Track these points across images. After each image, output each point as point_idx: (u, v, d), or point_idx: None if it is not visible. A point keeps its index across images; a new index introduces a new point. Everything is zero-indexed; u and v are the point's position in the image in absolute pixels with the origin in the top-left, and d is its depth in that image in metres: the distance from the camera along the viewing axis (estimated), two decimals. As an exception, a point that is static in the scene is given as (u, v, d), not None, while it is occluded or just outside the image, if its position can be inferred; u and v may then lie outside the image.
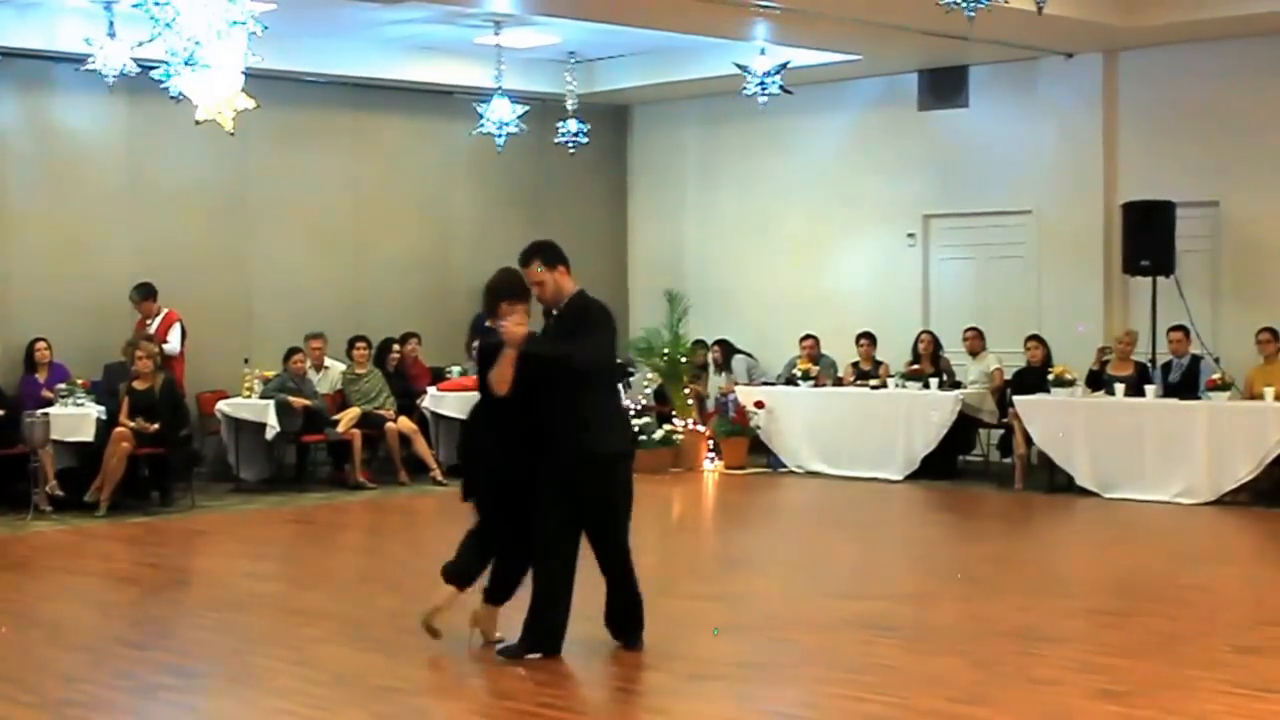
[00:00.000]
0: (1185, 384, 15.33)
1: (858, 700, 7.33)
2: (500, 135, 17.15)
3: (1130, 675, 7.83)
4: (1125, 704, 7.17)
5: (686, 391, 18.16)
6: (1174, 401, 14.93)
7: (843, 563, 11.94)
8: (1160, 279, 15.93)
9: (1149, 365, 15.72)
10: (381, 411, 16.77)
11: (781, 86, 16.10)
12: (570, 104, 18.04)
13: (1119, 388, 15.26)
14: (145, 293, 16.16)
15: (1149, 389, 15.09)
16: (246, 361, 16.58)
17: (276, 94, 15.84)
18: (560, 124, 17.90)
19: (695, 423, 17.89)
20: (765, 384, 18.31)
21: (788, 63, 16.08)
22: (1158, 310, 15.93)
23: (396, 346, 17.71)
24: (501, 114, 17.05)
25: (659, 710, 7.19)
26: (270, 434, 16.08)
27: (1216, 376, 14.92)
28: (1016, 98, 17.85)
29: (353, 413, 16.56)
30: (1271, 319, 15.30)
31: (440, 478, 16.55)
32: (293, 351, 16.64)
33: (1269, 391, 14.39)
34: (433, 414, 17.32)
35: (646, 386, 18.56)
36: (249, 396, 16.31)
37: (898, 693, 7.42)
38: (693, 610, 9.67)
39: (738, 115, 18.78)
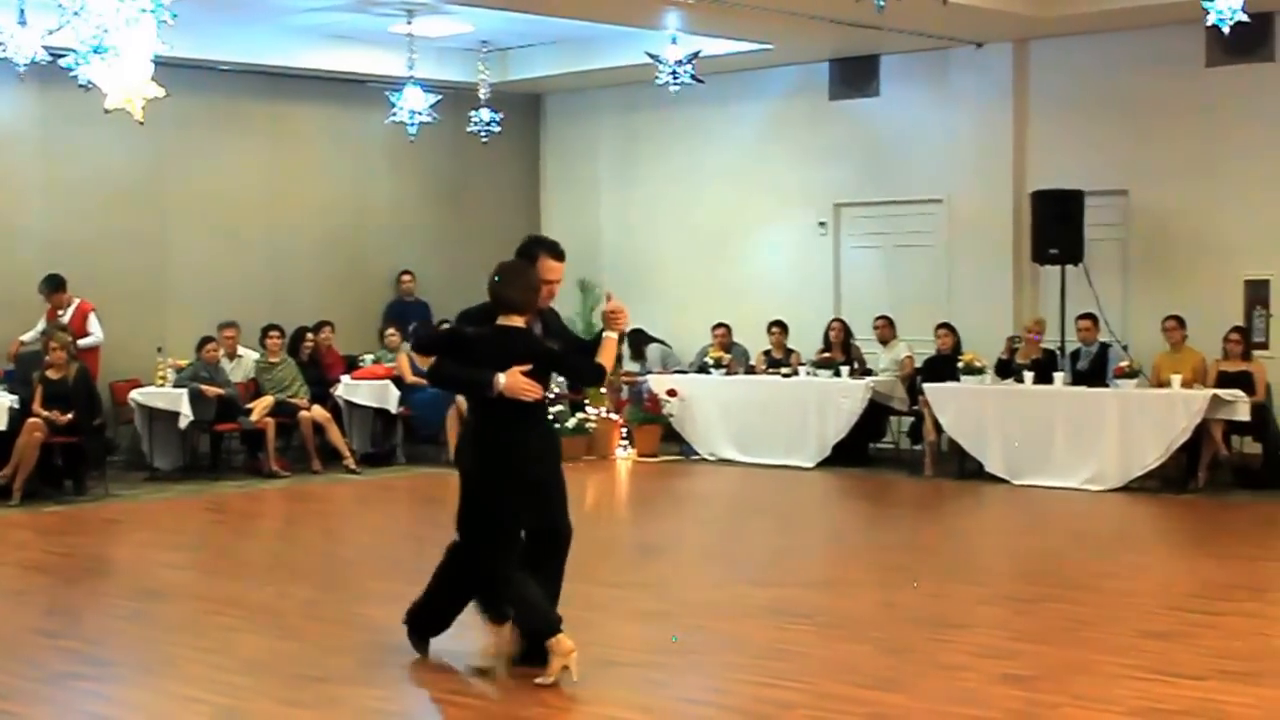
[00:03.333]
0: (1094, 372, 15.53)
1: (767, 686, 7.39)
2: (413, 124, 17.10)
3: (1037, 660, 7.93)
4: (1031, 688, 7.26)
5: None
6: (1082, 389, 15.11)
7: (755, 550, 12.00)
8: (1069, 267, 16.11)
9: (1058, 353, 15.90)
10: (295, 400, 16.70)
11: (693, 76, 16.13)
12: (483, 93, 17.98)
13: (1028, 375, 15.43)
14: (54, 285, 16.03)
15: (1058, 376, 15.27)
16: (160, 350, 16.45)
17: (188, 82, 15.78)
18: (473, 113, 17.85)
19: (608, 411, 17.92)
20: (678, 372, 18.39)
21: (699, 52, 16.10)
22: (1067, 298, 16.12)
23: (310, 335, 17.64)
24: (414, 103, 17.00)
25: (569, 697, 7.22)
26: (184, 423, 16.00)
27: (1124, 364, 15.11)
28: (927, 87, 17.98)
29: (266, 401, 16.48)
30: (1178, 307, 15.51)
31: (354, 466, 16.53)
32: (206, 340, 16.53)
33: (1176, 379, 14.60)
34: (346, 402, 17.28)
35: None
36: (162, 385, 16.19)
37: (807, 679, 7.49)
38: (605, 597, 9.71)
39: (651, 104, 18.83)
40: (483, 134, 17.93)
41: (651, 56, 16.13)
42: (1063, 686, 7.23)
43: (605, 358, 7.85)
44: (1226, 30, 12.41)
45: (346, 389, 17.30)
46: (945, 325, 16.83)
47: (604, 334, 7.90)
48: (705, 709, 7.14)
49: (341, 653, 8.23)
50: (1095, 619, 9.06)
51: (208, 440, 16.72)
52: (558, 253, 7.89)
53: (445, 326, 8.27)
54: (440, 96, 17.31)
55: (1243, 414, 14.37)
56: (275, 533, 13.98)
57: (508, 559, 7.61)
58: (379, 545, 12.53)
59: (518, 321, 7.65)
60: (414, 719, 7.27)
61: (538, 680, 7.34)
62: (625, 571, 10.98)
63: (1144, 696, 7.13)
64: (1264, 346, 15.67)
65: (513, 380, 7.50)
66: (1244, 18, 12.27)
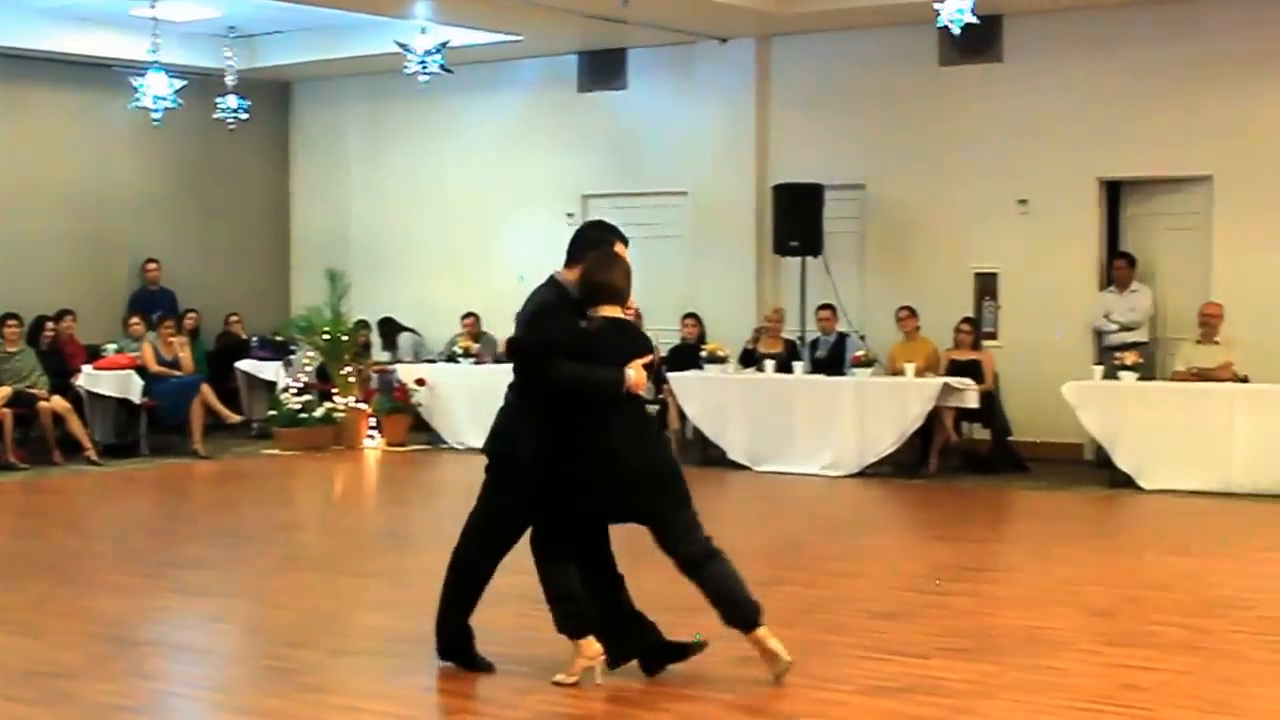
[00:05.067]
0: (832, 360, 15.95)
1: (508, 673, 7.48)
2: (157, 110, 16.81)
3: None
4: (763, 669, 7.44)
5: (347, 370, 18.11)
6: (821, 378, 15.50)
7: (501, 538, 12.08)
8: (809, 259, 16.51)
9: (798, 342, 16.29)
10: (34, 390, 16.34)
11: (442, 65, 16.16)
12: (230, 79, 17.79)
13: (769, 364, 15.78)
14: None
15: (797, 365, 15.64)
16: (-106, 341, 16.04)
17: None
18: (220, 99, 17.65)
19: (357, 400, 17.88)
20: (427, 361, 18.41)
21: (447, 42, 16.14)
22: (807, 289, 16.52)
23: (50, 324, 17.29)
24: (157, 88, 16.71)
25: (309, 687, 7.23)
26: (-84, 414, 15.60)
27: (861, 353, 15.55)
28: (674, 80, 18.26)
29: (4, 392, 16.08)
30: (912, 298, 16.02)
31: (95, 457, 16.23)
32: (-61, 329, 16.14)
33: (909, 367, 15.07)
34: (88, 393, 16.93)
35: (307, 365, 18.45)
36: (-106, 375, 15.77)
37: (547, 665, 7.56)
38: (349, 586, 9.76)
39: (401, 93, 18.80)
40: (230, 121, 17.75)
41: (400, 45, 16.11)
42: (796, 667, 7.40)
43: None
44: (957, 31, 12.85)
45: (88, 379, 16.96)
46: (692, 315, 17.13)
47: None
48: (446, 697, 7.21)
49: (73, 647, 8.11)
50: (827, 601, 9.32)
51: (-58, 432, 16.31)
52: (625, 238, 7.55)
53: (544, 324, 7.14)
54: (186, 82, 17.07)
55: (972, 401, 14.90)
56: (10, 527, 13.64)
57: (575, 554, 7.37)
58: (117, 538, 12.34)
59: (619, 312, 7.27)
60: (145, 713, 7.20)
61: (557, 678, 7.22)
62: (369, 561, 10.99)
63: (872, 675, 7.36)
64: (993, 336, 16.32)
65: (639, 376, 7.13)
66: (973, 19, 12.72)
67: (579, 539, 7.35)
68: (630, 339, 7.23)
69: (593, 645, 7.21)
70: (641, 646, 7.45)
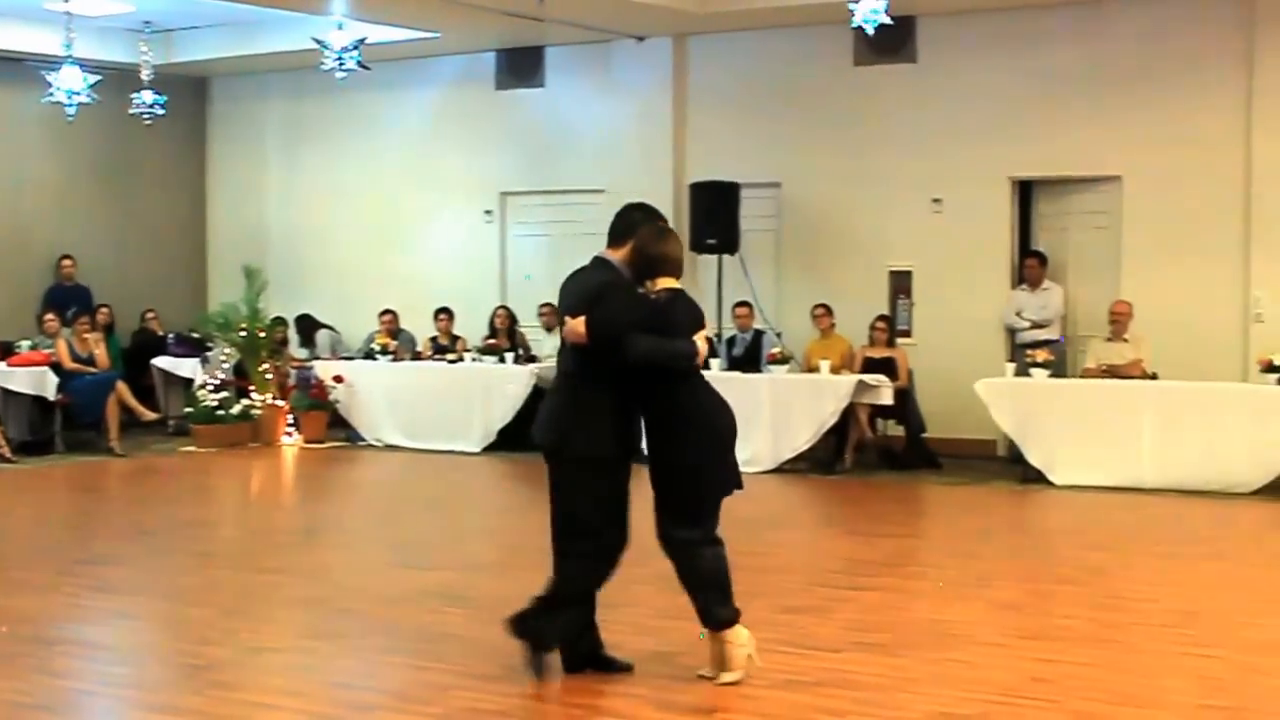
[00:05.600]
0: (749, 358, 16.05)
1: (420, 669, 7.51)
2: (71, 105, 16.68)
3: (684, 637, 8.15)
4: (676, 665, 7.47)
5: (265, 367, 18.04)
6: (737, 375, 15.58)
7: (418, 534, 12.10)
8: (726, 256, 16.60)
9: (714, 340, 16.37)
10: (-55, 388, 16.23)
11: (360, 62, 16.07)
12: (146, 74, 17.68)
13: (684, 360, 15.83)
14: None
15: (714, 362, 15.70)
16: None
17: None
18: (136, 95, 17.54)
19: (274, 397, 17.81)
20: (345, 358, 18.38)
21: (365, 38, 16.07)
22: (723, 287, 16.60)
23: (-38, 321, 17.17)
24: (71, 83, 16.58)
25: (221, 684, 7.23)
26: None
27: (777, 350, 15.66)
28: (591, 79, 18.31)
29: (-85, 389, 15.99)
30: (827, 295, 16.14)
31: (9, 454, 16.09)
32: None
33: (825, 365, 15.19)
34: (2, 390, 16.79)
35: (224, 362, 18.37)
36: None
37: (461, 661, 7.62)
38: (263, 583, 9.76)
39: (320, 90, 18.72)
40: (146, 116, 17.64)
41: (317, 42, 16.04)
42: (706, 661, 7.48)
43: None
44: (871, 32, 12.96)
45: (2, 376, 16.81)
46: (609, 312, 17.14)
47: None
48: (358, 693, 7.20)
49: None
50: (741, 596, 9.22)
51: None
52: (663, 217, 7.57)
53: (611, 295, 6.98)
54: (100, 77, 16.94)
55: (887, 398, 15.03)
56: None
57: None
58: (30, 535, 12.26)
59: (675, 283, 7.20)
60: (55, 711, 7.15)
61: (721, 678, 7.17)
62: (285, 557, 10.99)
63: (784, 669, 7.41)
64: (907, 334, 16.48)
65: (703, 347, 7.16)
66: (887, 20, 12.83)
67: (714, 512, 7.32)
68: (692, 311, 7.21)
69: (742, 633, 7.21)
70: (588, 648, 7.49)
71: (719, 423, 7.22)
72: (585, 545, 7.32)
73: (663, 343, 7.01)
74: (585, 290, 7.25)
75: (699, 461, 7.17)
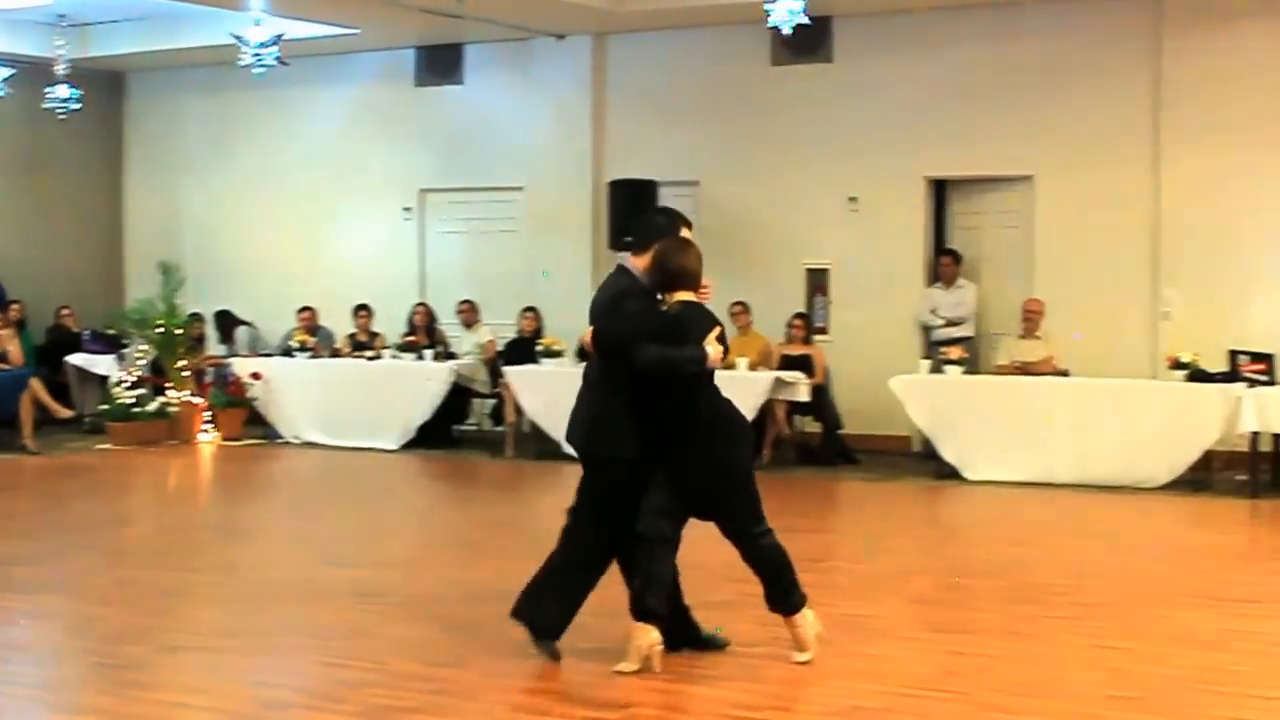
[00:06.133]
0: (664, 355, 16.06)
1: (336, 666, 7.51)
2: (-17, 99, 16.58)
3: (600, 633, 8.14)
4: (595, 660, 7.47)
5: (182, 364, 17.94)
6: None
7: (334, 532, 12.10)
8: (644, 254, 16.63)
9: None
10: None
11: (278, 58, 16.02)
12: (61, 69, 17.53)
13: (604, 358, 15.88)
14: None
15: (632, 360, 15.76)
16: None
17: None
18: (51, 89, 17.40)
19: (191, 394, 17.73)
20: (263, 355, 18.32)
21: (283, 34, 16.02)
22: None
23: None
24: (-17, 77, 16.48)
25: (136, 684, 7.21)
26: None
27: (695, 347, 15.68)
28: (510, 77, 18.33)
29: None
30: (745, 293, 16.22)
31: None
32: None
33: (743, 362, 15.25)
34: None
35: (141, 359, 18.26)
36: None
37: (376, 657, 7.63)
38: (179, 582, 9.72)
39: (239, 85, 18.63)
40: (61, 111, 17.50)
41: (235, 37, 15.97)
42: (620, 657, 7.51)
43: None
44: (788, 32, 13.04)
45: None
46: (530, 309, 17.22)
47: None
48: (273, 691, 7.20)
49: None
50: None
51: None
52: (689, 222, 7.61)
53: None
54: (14, 71, 16.82)
55: (804, 395, 15.15)
56: None
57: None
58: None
59: (692, 296, 7.32)
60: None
61: (618, 668, 7.28)
62: (201, 555, 10.93)
63: (697, 664, 7.46)
64: (824, 331, 16.60)
65: (717, 351, 7.22)
66: (804, 20, 12.91)
67: (681, 521, 7.45)
68: (706, 320, 7.30)
69: (653, 633, 7.28)
70: (689, 636, 7.68)
71: (736, 420, 7.45)
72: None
73: (669, 350, 7.13)
74: (602, 299, 7.46)
75: (722, 458, 7.32)
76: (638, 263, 7.43)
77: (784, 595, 7.53)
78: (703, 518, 7.47)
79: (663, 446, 7.30)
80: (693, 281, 7.32)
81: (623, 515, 7.38)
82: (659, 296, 7.35)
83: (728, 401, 7.45)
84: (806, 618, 7.51)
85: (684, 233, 7.51)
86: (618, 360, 7.24)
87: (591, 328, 7.31)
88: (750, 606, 8.82)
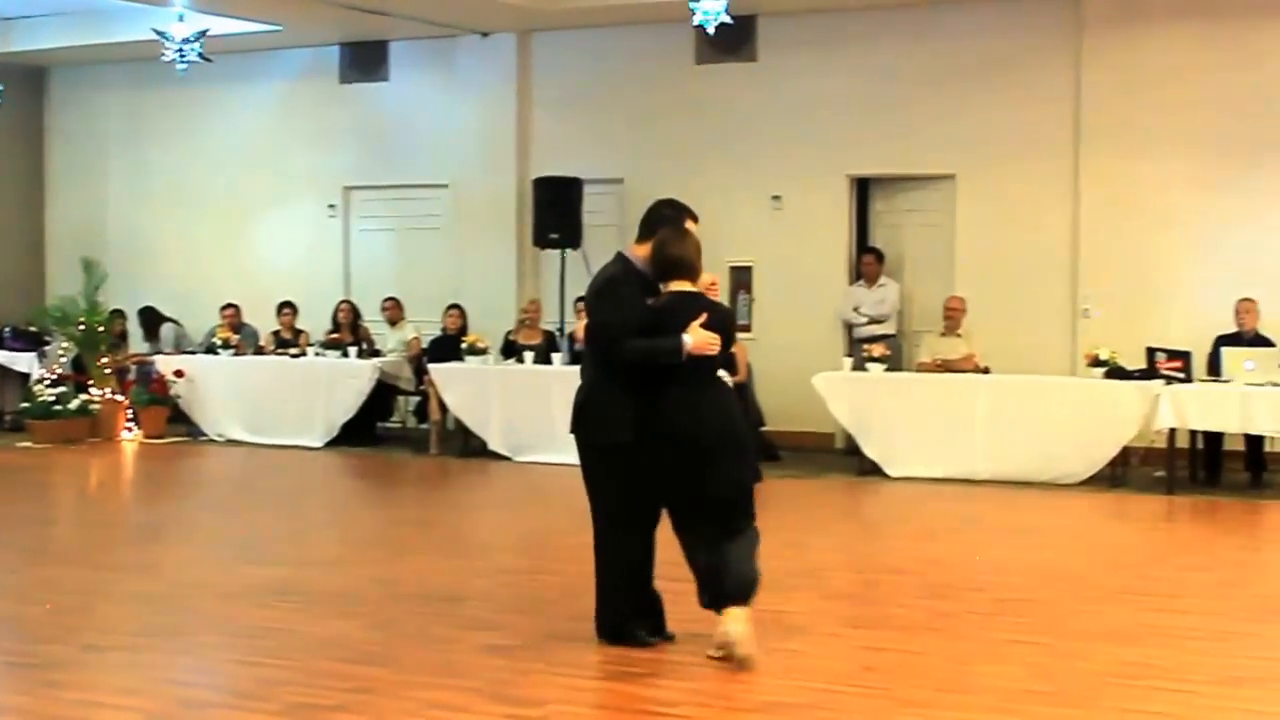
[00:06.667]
0: (590, 352, 16.10)
1: (253, 665, 7.50)
2: (-98, 93, 16.41)
3: (521, 630, 8.23)
4: (511, 657, 7.53)
5: (104, 361, 17.82)
6: (578, 369, 15.61)
7: (257, 530, 12.05)
8: (569, 251, 16.69)
9: (556, 334, 16.45)
10: None
11: (201, 54, 16.00)
12: (-19, 64, 17.43)
13: (528, 355, 15.91)
14: None
15: (556, 356, 15.78)
16: None
17: None
18: (-31, 84, 17.29)
19: (113, 392, 17.61)
20: (187, 352, 18.22)
21: (207, 30, 15.99)
22: (566, 281, 16.68)
23: None
24: (-98, 72, 16.31)
25: (54, 683, 7.16)
26: None
27: (619, 345, 15.72)
28: (435, 73, 18.32)
29: None
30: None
31: None
32: None
33: (666, 359, 15.28)
34: None
35: (62, 356, 18.13)
36: None
37: (294, 656, 7.62)
38: (98, 581, 9.66)
39: (162, 81, 18.56)
40: (-21, 107, 17.39)
41: (158, 33, 15.91)
42: (541, 655, 7.54)
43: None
44: (711, 30, 13.11)
45: None
46: (455, 306, 17.22)
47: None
48: (192, 690, 7.19)
49: None
50: (582, 589, 9.42)
51: None
52: (695, 215, 7.59)
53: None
54: (-67, 66, 16.68)
55: (727, 393, 15.17)
56: None
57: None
58: None
59: (689, 285, 7.31)
60: None
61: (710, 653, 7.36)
62: (122, 554, 10.89)
63: (617, 661, 7.48)
64: (747, 329, 16.64)
65: (698, 337, 7.17)
66: (727, 19, 12.98)
67: (649, 512, 7.49)
68: (695, 310, 7.27)
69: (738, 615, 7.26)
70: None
71: (690, 429, 7.27)
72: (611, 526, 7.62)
73: (649, 342, 7.16)
74: (593, 286, 7.54)
75: (662, 462, 7.32)
76: (639, 251, 7.48)
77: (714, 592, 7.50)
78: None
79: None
80: (689, 272, 7.34)
81: (618, 499, 7.50)
82: (658, 286, 7.37)
83: (705, 406, 7.33)
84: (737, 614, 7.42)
85: (688, 225, 7.56)
86: (602, 351, 7.35)
87: (582, 324, 7.31)
88: (672, 603, 8.82)
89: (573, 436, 7.70)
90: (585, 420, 7.55)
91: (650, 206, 7.67)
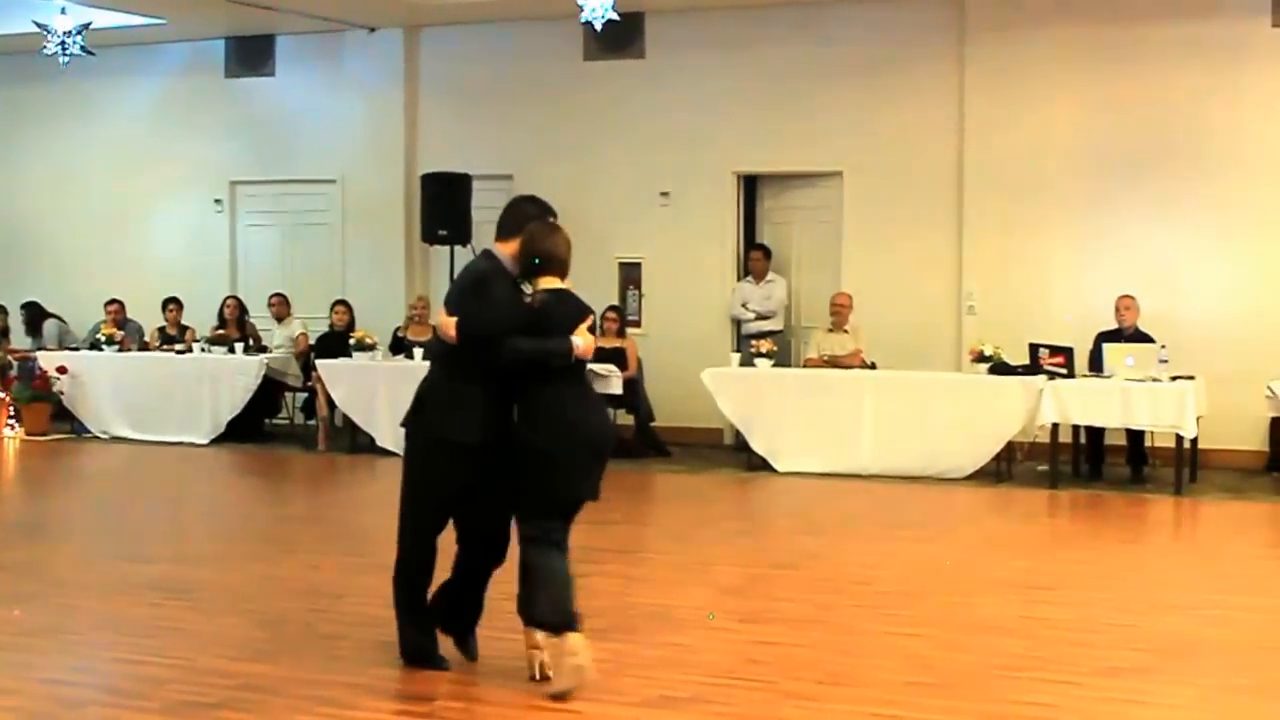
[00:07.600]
0: (481, 347, 16.08)
1: (138, 663, 7.44)
2: None
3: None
4: (399, 653, 7.56)
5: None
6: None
7: (141, 527, 11.95)
8: (458, 247, 16.63)
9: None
10: None
11: (84, 48, 15.83)
12: None
13: (417, 351, 15.86)
14: None
15: (445, 354, 15.74)
16: None
17: None
18: None
19: (-5, 388, 17.42)
20: (70, 349, 18.02)
21: (89, 23, 15.82)
22: (454, 277, 16.63)
23: None
24: None
25: (-68, 683, 7.11)
26: None
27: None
28: (322, 68, 18.23)
29: None
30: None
31: None
32: None
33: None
34: None
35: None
36: None
37: (180, 654, 7.56)
38: (-23, 581, 9.55)
39: (42, 75, 18.30)
40: None
41: (39, 26, 15.73)
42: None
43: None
44: (598, 27, 13.13)
45: None
46: (342, 302, 17.14)
47: None
48: (72, 689, 7.10)
49: None
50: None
51: None
52: (555, 214, 7.35)
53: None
54: None
55: (616, 388, 15.22)
56: None
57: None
58: None
59: (559, 283, 7.08)
60: None
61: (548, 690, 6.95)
62: (2, 552, 10.72)
63: (504, 656, 7.44)
64: (637, 324, 16.72)
65: (587, 340, 6.98)
66: (615, 16, 13.01)
67: (558, 519, 7.14)
68: (573, 308, 7.10)
69: (579, 640, 6.94)
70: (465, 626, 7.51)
71: (581, 424, 7.09)
72: (426, 523, 7.25)
73: (537, 343, 6.94)
74: (461, 282, 7.27)
75: (552, 456, 7.01)
76: (505, 249, 7.21)
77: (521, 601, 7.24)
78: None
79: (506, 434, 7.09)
80: (560, 267, 7.14)
81: (435, 496, 7.20)
82: (524, 285, 7.17)
83: (587, 402, 7.24)
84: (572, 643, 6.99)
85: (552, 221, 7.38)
86: (473, 351, 7.00)
87: (453, 318, 7.05)
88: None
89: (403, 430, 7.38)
90: (426, 413, 7.20)
91: (510, 202, 7.45)
